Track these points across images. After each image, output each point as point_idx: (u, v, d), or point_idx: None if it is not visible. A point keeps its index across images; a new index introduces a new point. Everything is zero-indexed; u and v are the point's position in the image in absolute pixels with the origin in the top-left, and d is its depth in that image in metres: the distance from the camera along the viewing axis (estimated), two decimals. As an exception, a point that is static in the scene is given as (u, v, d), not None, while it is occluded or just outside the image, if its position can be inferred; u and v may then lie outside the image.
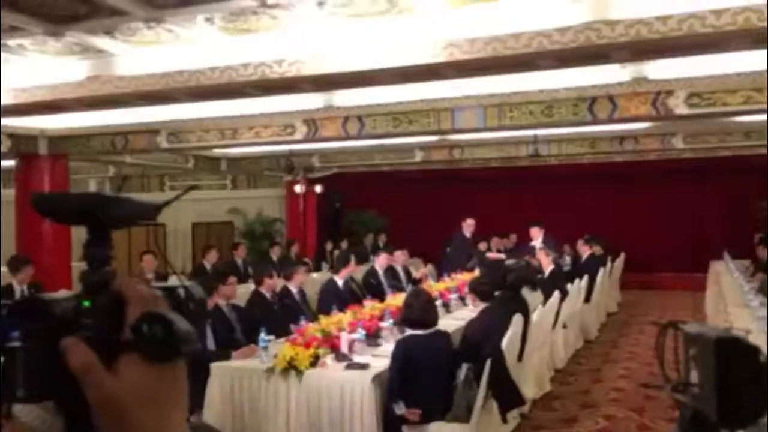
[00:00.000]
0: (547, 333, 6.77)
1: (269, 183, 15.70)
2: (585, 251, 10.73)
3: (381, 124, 8.50)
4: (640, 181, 14.48)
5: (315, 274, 9.94)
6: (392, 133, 8.64)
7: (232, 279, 5.83)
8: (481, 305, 5.40)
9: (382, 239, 14.36)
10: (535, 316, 5.93)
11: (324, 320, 5.37)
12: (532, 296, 6.72)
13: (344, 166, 14.18)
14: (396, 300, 6.54)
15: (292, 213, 15.12)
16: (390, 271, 9.15)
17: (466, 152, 12.40)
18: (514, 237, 12.96)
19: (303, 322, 5.45)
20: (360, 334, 5.15)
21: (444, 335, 4.51)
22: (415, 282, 8.93)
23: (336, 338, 4.98)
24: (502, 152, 12.17)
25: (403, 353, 4.28)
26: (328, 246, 13.73)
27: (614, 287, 11.92)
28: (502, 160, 13.19)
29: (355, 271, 8.44)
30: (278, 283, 6.79)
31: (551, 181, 14.74)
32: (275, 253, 11.61)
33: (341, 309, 5.96)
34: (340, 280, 7.43)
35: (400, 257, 9.41)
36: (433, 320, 4.45)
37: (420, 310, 4.40)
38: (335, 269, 7.73)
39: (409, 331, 4.48)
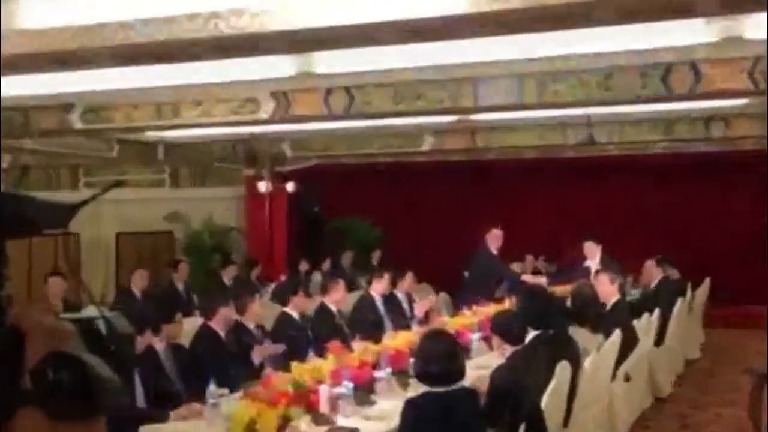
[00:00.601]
0: (604, 387, 6.79)
1: (223, 179, 15.75)
2: (656, 276, 10.74)
3: (377, 100, 8.55)
4: (734, 179, 14.52)
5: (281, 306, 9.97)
6: (392, 111, 8.67)
7: (179, 316, 6.05)
8: (511, 349, 5.45)
9: (375, 257, 14.40)
10: (587, 364, 5.94)
11: (296, 369, 5.36)
12: (586, 336, 6.75)
13: (326, 156, 14.22)
14: (397, 340, 6.59)
15: (254, 220, 15.16)
16: (390, 300, 9.22)
17: (494, 139, 12.47)
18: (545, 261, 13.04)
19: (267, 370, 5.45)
20: (346, 387, 5.14)
21: (470, 394, 4.51)
22: (426, 318, 8.99)
23: (313, 393, 4.97)
24: (543, 139, 12.23)
25: (415, 419, 4.30)
26: (303, 266, 13.81)
27: (695, 325, 11.95)
28: (542, 149, 13.23)
29: (342, 301, 8.50)
30: (232, 316, 6.94)
31: (609, 179, 14.79)
32: (229, 275, 11.71)
33: (299, 351, 6.07)
34: (294, 312, 7.63)
35: (408, 282, 9.56)
36: (458, 374, 4.45)
37: (441, 360, 4.41)
38: (282, 299, 7.96)
39: (423, 388, 4.48)
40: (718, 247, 14.43)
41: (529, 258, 12.65)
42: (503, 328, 5.59)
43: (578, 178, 14.93)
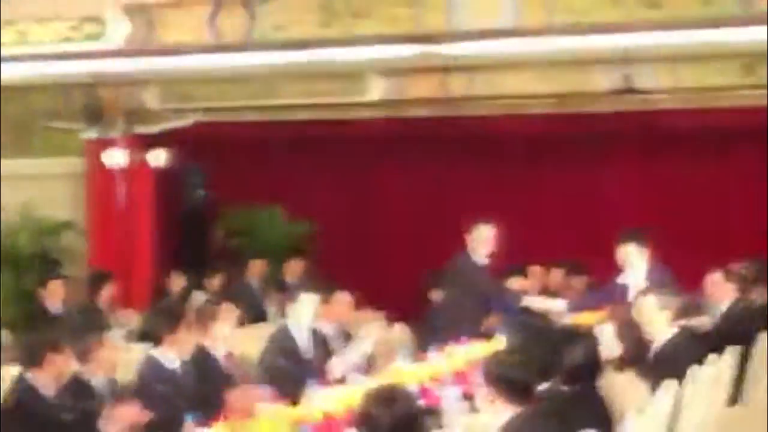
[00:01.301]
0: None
1: (49, 146, 15.47)
2: (725, 296, 10.76)
3: (296, 19, 8.75)
4: None
5: (147, 346, 9.85)
6: (318, 38, 8.90)
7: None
8: (509, 411, 5.39)
9: (294, 269, 14.39)
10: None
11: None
12: (627, 388, 6.80)
13: (215, 110, 14.31)
14: (327, 401, 6.56)
15: (100, 211, 15.09)
16: (316, 338, 9.21)
17: (479, 83, 12.65)
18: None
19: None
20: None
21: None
22: (371, 365, 9.01)
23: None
24: (554, 84, 12.44)
25: None
26: (176, 282, 13.74)
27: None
28: (554, 101, 13.42)
29: (231, 336, 8.47)
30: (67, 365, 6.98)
31: (658, 147, 14.93)
32: (56, 298, 11.50)
33: (174, 419, 6.24)
34: (171, 358, 7.67)
35: (341, 308, 9.50)
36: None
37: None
38: (154, 336, 7.98)
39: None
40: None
41: (537, 270, 12.61)
42: (504, 376, 5.51)
43: (609, 146, 15.02)
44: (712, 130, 14.33)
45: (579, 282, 12.89)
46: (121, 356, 8.08)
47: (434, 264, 11.40)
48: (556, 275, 12.99)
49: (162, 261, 15.12)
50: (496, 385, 5.47)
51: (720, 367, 8.56)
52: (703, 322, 10.64)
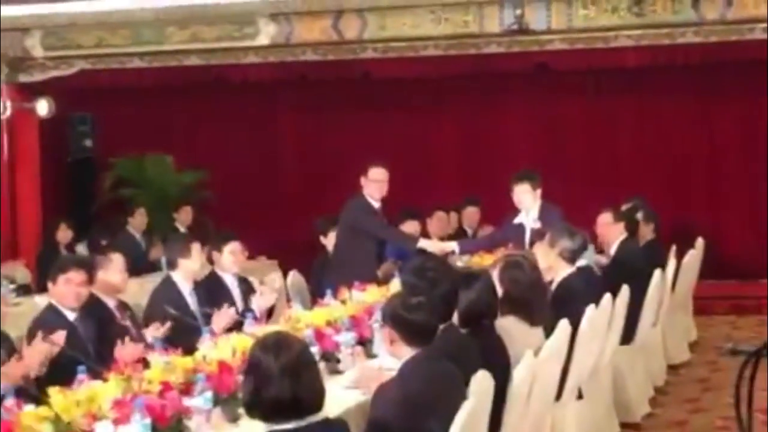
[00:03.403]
0: (546, 409, 6.92)
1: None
2: (613, 235, 10.90)
3: None
4: (740, 86, 14.78)
5: (38, 298, 9.75)
6: None
7: None
8: (408, 354, 5.45)
9: (183, 217, 14.36)
10: (519, 375, 6.03)
11: (58, 399, 5.18)
12: (522, 332, 6.85)
13: (101, 57, 14.03)
14: (220, 349, 6.54)
15: None
16: (214, 285, 9.19)
17: (370, 26, 12.69)
18: (473, 214, 13.15)
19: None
20: (141, 427, 5.06)
21: (337, 430, 4.57)
22: (268, 313, 8.95)
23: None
24: (446, 26, 12.54)
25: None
26: (63, 234, 13.49)
27: (683, 312, 12.24)
28: (447, 43, 13.34)
29: (119, 286, 8.34)
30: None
31: (552, 88, 15.02)
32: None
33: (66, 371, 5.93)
34: (69, 312, 7.44)
35: (232, 257, 9.40)
36: (312, 400, 4.47)
37: (283, 380, 4.40)
38: (39, 282, 7.64)
39: (261, 426, 4.48)
40: (718, 193, 14.93)
41: (440, 216, 12.57)
42: (403, 318, 5.51)
43: (503, 88, 15.10)
44: (603, 71, 14.53)
45: (472, 221, 13.04)
46: (8, 310, 7.97)
47: (328, 209, 11.30)
48: (454, 219, 13.08)
49: (49, 213, 14.93)
50: (397, 327, 5.50)
51: (614, 306, 8.63)
52: (597, 261, 10.81)
